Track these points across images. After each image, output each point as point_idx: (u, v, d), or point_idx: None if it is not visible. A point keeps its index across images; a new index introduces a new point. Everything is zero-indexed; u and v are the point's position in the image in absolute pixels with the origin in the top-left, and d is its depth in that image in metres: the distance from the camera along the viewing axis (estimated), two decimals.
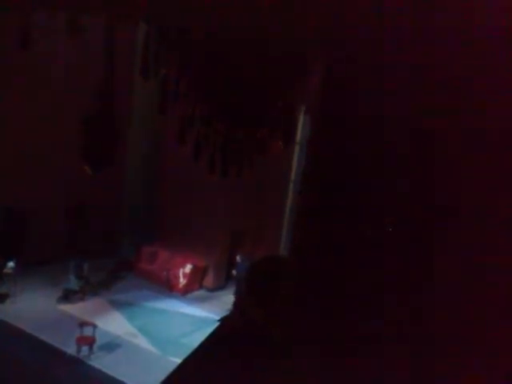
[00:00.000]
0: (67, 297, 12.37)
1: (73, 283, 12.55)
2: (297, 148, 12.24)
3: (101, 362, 9.89)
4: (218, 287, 14.75)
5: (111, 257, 14.81)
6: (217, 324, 2.44)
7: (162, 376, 2.37)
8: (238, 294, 12.96)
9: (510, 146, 2.30)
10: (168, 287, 14.31)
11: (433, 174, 2.55)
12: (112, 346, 10.57)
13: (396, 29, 2.53)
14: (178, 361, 2.37)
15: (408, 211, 2.61)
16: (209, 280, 14.86)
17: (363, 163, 2.80)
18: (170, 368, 2.39)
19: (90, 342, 10.05)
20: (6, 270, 12.17)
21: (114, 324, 11.58)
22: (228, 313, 2.54)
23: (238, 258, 13.52)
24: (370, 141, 2.74)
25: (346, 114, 2.83)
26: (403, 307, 2.53)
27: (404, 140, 2.60)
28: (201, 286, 14.83)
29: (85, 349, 10.00)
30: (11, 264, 12.22)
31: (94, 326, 10.17)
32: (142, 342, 11.03)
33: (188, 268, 14.48)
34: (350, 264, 2.75)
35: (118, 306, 12.71)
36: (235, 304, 2.58)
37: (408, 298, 2.54)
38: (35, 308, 11.61)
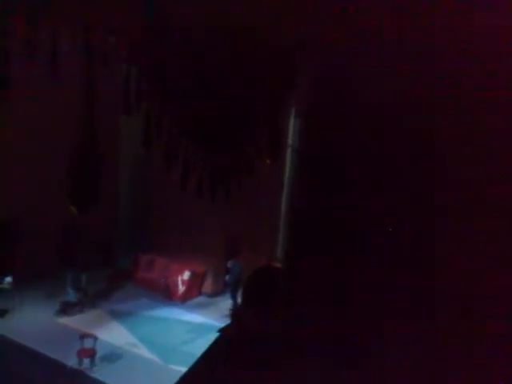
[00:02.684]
0: (66, 310, 12.32)
1: (71, 296, 12.50)
2: (289, 151, 12.25)
3: (103, 374, 9.85)
4: (218, 293, 14.72)
5: (109, 267, 14.76)
6: (217, 333, 2.45)
7: None
8: (232, 300, 12.99)
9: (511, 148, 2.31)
10: (167, 295, 14.27)
11: (432, 175, 2.55)
12: (113, 356, 10.53)
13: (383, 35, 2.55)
14: (181, 369, 2.38)
15: (406, 212, 2.61)
16: (208, 286, 14.83)
17: (355, 165, 2.80)
18: (173, 377, 2.39)
19: (91, 354, 10.01)
20: (3, 285, 12.12)
21: (114, 335, 11.53)
22: (227, 321, 2.54)
23: (229, 264, 13.53)
24: (361, 141, 2.74)
25: (336, 115, 2.84)
26: (403, 310, 2.54)
27: (398, 141, 2.62)
28: (200, 293, 14.79)
29: (86, 361, 9.95)
30: (8, 279, 12.16)
31: (95, 338, 10.13)
32: (144, 351, 11.00)
33: (186, 275, 14.45)
34: (345, 269, 2.75)
35: (117, 316, 12.66)
36: (232, 314, 2.59)
37: (407, 300, 2.54)
38: (34, 322, 11.54)
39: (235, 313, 2.62)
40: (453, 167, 2.47)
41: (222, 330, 2.44)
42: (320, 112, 2.98)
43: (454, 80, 2.42)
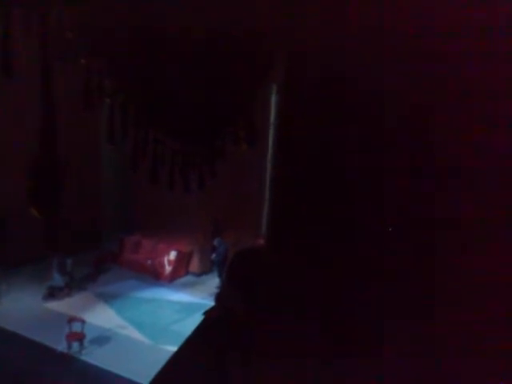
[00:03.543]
0: (53, 294, 12.27)
1: (57, 280, 12.43)
2: (271, 129, 12.19)
3: (93, 357, 9.89)
4: (205, 271, 14.77)
5: (95, 250, 14.69)
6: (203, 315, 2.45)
7: (155, 365, 2.38)
8: (219, 279, 13.05)
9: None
10: (154, 276, 14.28)
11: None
12: (103, 339, 10.55)
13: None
14: (170, 349, 2.39)
15: (403, 207, 2.60)
16: (194, 265, 14.87)
17: (337, 143, 2.79)
18: (163, 357, 2.39)
19: (79, 337, 10.02)
20: None
21: (102, 317, 11.55)
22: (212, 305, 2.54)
23: (216, 242, 13.56)
24: (341, 119, 2.73)
25: (315, 92, 2.82)
26: (397, 301, 2.54)
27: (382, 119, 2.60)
28: (187, 272, 14.84)
29: (75, 345, 9.98)
30: None
31: (83, 322, 10.13)
32: (133, 332, 11.04)
33: (172, 255, 14.46)
34: (329, 249, 2.75)
35: (105, 298, 12.66)
36: (216, 297, 2.60)
37: (402, 292, 2.55)
38: (22, 308, 11.50)
39: (219, 295, 2.62)
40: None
41: (206, 313, 2.44)
42: (297, 88, 2.96)
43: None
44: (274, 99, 9.50)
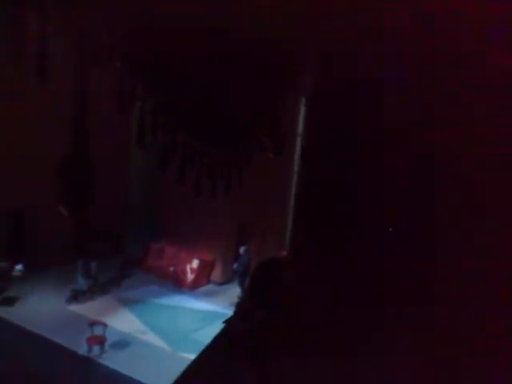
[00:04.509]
0: (76, 297, 12.41)
1: (81, 283, 12.58)
2: (299, 140, 12.19)
3: (112, 361, 9.93)
4: (226, 281, 14.77)
5: (119, 255, 14.84)
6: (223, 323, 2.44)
7: (174, 372, 2.37)
8: (240, 289, 13.02)
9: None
10: (176, 283, 14.34)
11: (433, 175, 2.53)
12: (123, 344, 10.61)
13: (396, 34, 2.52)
14: (189, 356, 2.38)
15: (409, 209, 2.59)
16: (217, 274, 14.88)
17: (361, 156, 2.77)
18: (181, 364, 2.39)
19: (100, 341, 10.09)
20: (14, 273, 12.23)
21: (124, 322, 11.62)
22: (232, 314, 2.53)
23: (241, 250, 13.55)
24: (368, 132, 2.71)
25: (343, 104, 2.81)
26: (407, 308, 2.52)
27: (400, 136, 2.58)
28: (209, 281, 14.85)
29: (96, 348, 10.04)
30: (19, 267, 12.26)
31: (104, 325, 10.22)
32: (153, 338, 11.07)
33: (195, 263, 14.50)
34: (350, 261, 2.73)
35: (127, 303, 12.75)
36: (237, 306, 2.60)
37: (410, 298, 2.52)
38: (45, 310, 11.65)
39: (240, 304, 2.61)
40: (453, 168, 2.45)
41: (226, 322, 2.44)
42: (323, 101, 2.96)
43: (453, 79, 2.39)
44: (302, 111, 9.46)
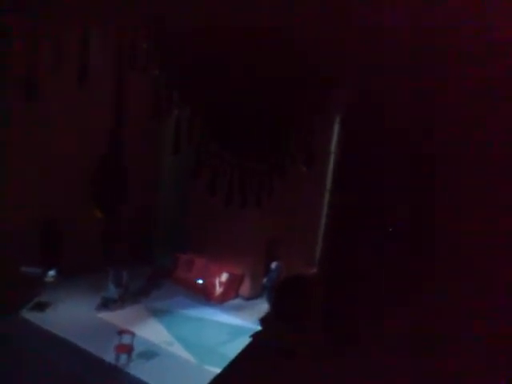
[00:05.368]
0: (106, 305, 12.57)
1: (112, 291, 12.73)
2: (332, 157, 12.16)
3: (138, 371, 9.98)
4: (255, 296, 14.71)
5: (149, 265, 14.97)
6: (250, 338, 2.45)
7: None
8: (269, 304, 12.94)
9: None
10: (204, 295, 14.36)
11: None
12: (149, 354, 10.66)
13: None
14: (215, 370, 2.38)
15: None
16: (245, 289, 14.84)
17: (389, 170, 2.77)
18: (207, 377, 2.40)
19: (128, 350, 10.17)
20: (47, 279, 12.46)
21: (151, 332, 11.69)
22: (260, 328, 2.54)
23: (273, 266, 13.49)
24: (396, 153, 2.71)
25: (373, 127, 2.81)
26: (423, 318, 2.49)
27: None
28: (237, 295, 14.82)
29: (123, 357, 10.11)
30: (52, 273, 12.49)
31: (133, 334, 10.29)
32: (179, 350, 11.09)
33: (224, 277, 14.51)
34: (374, 279, 2.70)
35: (155, 313, 12.83)
36: (263, 321, 2.60)
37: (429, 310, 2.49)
38: (75, 316, 11.82)
39: (265, 320, 2.62)
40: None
41: (253, 336, 2.44)
42: (358, 119, 2.96)
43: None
44: (336, 129, 9.43)
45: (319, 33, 3.10)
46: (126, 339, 10.21)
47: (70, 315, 11.82)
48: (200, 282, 14.53)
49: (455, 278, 2.42)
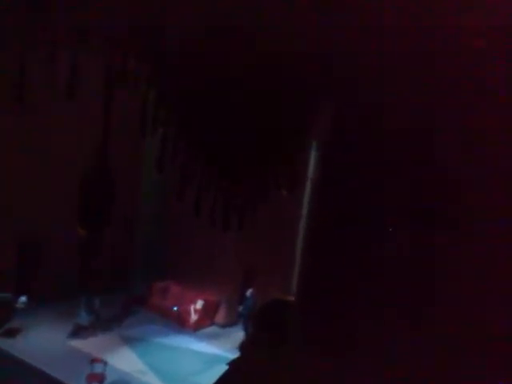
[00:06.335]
0: (78, 332, 12.29)
1: (83, 318, 12.47)
2: (308, 184, 12.27)
3: None
4: (230, 323, 14.57)
5: (123, 292, 14.74)
6: (226, 366, 2.44)
7: None
8: (244, 332, 12.83)
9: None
10: (179, 323, 14.17)
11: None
12: (122, 383, 10.43)
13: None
14: None
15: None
16: (220, 316, 14.70)
17: (369, 196, 2.81)
18: None
19: (100, 379, 9.92)
20: (18, 305, 12.18)
21: (124, 360, 11.46)
22: (237, 354, 2.54)
23: (248, 293, 13.42)
24: (377, 178, 2.76)
25: (352, 154, 2.87)
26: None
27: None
28: (212, 322, 14.67)
29: None
30: (23, 299, 12.22)
31: (105, 363, 10.08)
32: (153, 379, 10.87)
33: (199, 304, 14.35)
34: (358, 308, 2.73)
35: (128, 341, 12.58)
36: (241, 346, 2.59)
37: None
38: (46, 343, 11.53)
39: (244, 344, 2.62)
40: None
41: (230, 364, 2.44)
42: (336, 145, 3.02)
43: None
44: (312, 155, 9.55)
45: (304, 53, 3.16)
46: (97, 368, 9.98)
47: (41, 342, 11.52)
48: (175, 309, 14.35)
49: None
